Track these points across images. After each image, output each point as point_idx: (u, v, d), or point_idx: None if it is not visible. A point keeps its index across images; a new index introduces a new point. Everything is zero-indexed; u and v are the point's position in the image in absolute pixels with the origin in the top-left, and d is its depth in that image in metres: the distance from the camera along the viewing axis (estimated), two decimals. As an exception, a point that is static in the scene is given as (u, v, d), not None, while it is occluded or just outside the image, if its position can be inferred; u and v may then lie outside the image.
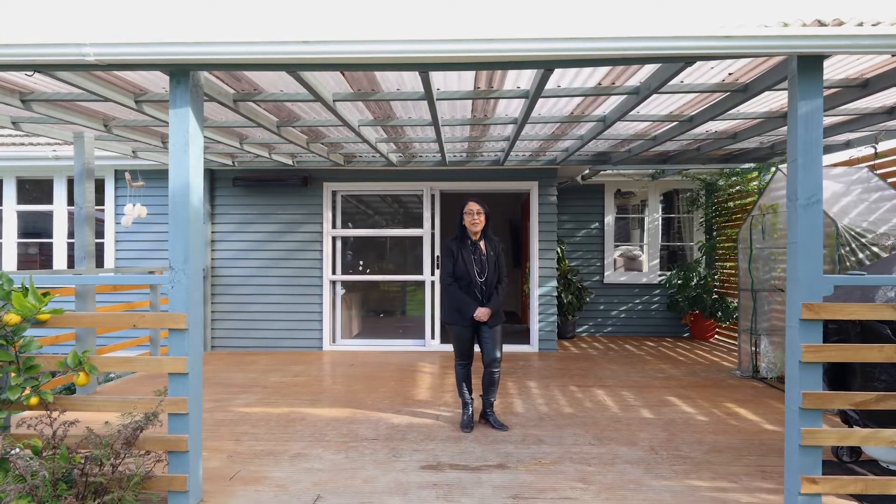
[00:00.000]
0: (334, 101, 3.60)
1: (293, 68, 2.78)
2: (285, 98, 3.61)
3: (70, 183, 7.40)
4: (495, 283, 4.05)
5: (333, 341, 7.31)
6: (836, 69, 3.27)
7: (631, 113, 4.17)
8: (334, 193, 7.32)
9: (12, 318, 2.56)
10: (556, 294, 7.19)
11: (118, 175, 7.34)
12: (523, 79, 3.38)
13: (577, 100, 3.89)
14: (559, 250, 8.20)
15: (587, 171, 7.73)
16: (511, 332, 8.44)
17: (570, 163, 6.60)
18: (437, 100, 3.61)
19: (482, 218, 3.99)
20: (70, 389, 5.74)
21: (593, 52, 2.54)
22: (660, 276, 8.38)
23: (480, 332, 4.03)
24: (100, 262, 7.35)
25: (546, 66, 2.72)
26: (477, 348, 4.12)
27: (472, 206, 3.97)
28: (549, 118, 4.33)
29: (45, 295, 2.54)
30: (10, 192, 7.50)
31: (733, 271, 7.92)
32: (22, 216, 7.78)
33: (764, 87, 3.23)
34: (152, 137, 5.22)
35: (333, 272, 7.31)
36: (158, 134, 5.24)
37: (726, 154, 6.44)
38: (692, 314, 8.10)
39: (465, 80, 3.45)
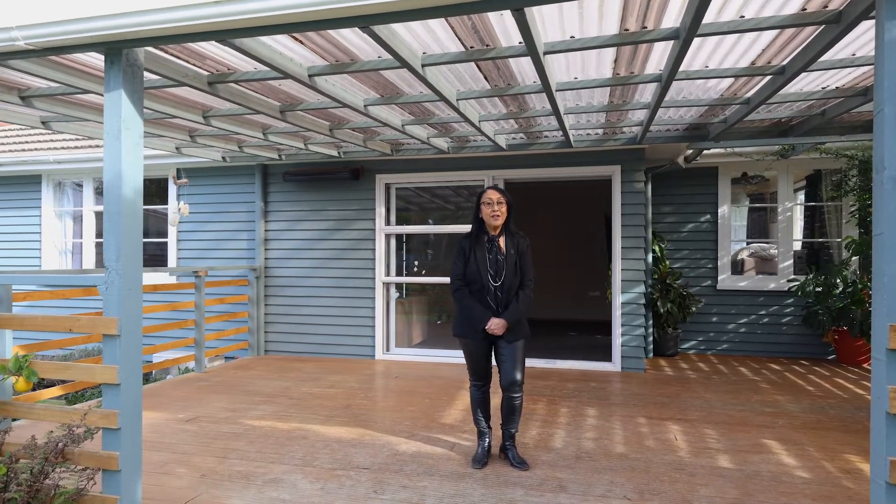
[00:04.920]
0: (310, 75, 3.38)
1: (222, 35, 2.60)
2: (260, 76, 3.46)
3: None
4: (516, 289, 3.59)
5: (387, 349, 7.18)
6: None
7: (690, 69, 3.46)
8: (388, 186, 7.18)
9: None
10: (643, 302, 6.40)
11: (181, 175, 7.87)
12: (513, 31, 2.89)
13: (610, 53, 3.27)
14: (657, 248, 7.33)
15: (689, 151, 6.80)
16: (593, 346, 7.74)
17: (656, 140, 5.80)
18: (424, 65, 3.23)
19: (503, 209, 3.57)
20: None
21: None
22: (790, 281, 7.10)
23: (498, 348, 3.60)
24: (163, 262, 7.94)
25: (514, 5, 2.25)
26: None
27: (492, 195, 3.57)
28: (588, 82, 3.74)
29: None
30: (89, 193, 8.39)
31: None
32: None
33: (860, 10, 2.43)
34: (178, 132, 5.42)
35: (387, 273, 7.17)
36: (185, 129, 5.44)
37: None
38: (836, 331, 6.77)
39: (442, 41, 3.04)
